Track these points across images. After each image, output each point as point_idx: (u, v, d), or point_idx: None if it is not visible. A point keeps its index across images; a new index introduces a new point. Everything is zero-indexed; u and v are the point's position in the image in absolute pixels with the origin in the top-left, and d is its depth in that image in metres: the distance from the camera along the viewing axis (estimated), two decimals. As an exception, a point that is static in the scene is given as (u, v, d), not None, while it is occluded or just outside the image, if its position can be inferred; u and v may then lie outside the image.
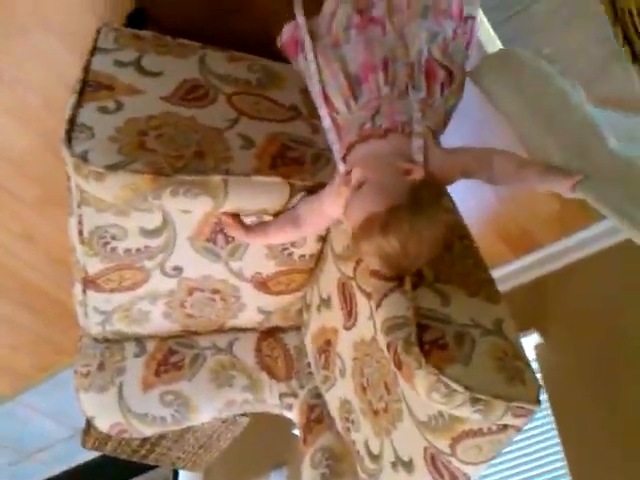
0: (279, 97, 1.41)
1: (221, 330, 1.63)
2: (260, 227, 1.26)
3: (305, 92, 1.42)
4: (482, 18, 1.58)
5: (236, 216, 1.25)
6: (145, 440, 2.01)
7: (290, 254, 1.40)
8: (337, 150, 1.18)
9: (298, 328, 1.63)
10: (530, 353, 2.10)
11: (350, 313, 1.33)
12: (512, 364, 1.03)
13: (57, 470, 3.27)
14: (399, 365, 1.03)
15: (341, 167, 1.16)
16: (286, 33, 1.34)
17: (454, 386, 0.98)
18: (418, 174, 1.07)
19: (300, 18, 1.30)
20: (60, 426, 2.96)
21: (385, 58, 1.19)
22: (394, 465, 1.25)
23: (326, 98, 1.22)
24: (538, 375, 2.04)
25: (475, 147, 1.20)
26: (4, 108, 1.80)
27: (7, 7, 1.61)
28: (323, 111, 1.22)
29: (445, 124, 1.23)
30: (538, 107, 1.17)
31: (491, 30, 1.62)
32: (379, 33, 1.23)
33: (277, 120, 1.34)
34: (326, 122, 1.22)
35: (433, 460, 1.15)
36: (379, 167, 1.09)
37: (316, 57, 1.25)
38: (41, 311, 2.44)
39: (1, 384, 2.73)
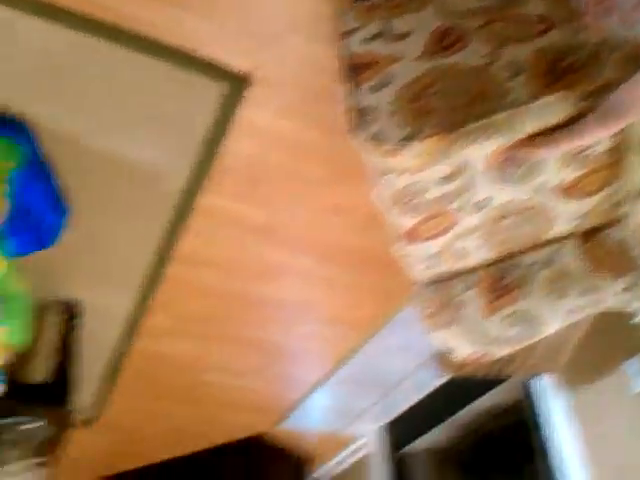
0: (525, 11, 1.33)
1: (539, 245, 1.64)
2: (570, 133, 1.21)
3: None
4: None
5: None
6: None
7: (585, 156, 1.35)
8: None
9: (618, 222, 1.57)
10: None
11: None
12: None
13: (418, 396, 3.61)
14: None
15: None
16: None
17: None
18: None
19: None
20: (410, 358, 3.23)
21: None
22: None
23: None
24: None
25: None
26: (279, 109, 1.96)
27: (260, 17, 1.74)
28: None
29: None
30: None
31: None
32: None
33: (534, 36, 1.28)
34: None
35: None
36: None
37: None
38: (367, 268, 2.69)
39: (353, 335, 3.09)
